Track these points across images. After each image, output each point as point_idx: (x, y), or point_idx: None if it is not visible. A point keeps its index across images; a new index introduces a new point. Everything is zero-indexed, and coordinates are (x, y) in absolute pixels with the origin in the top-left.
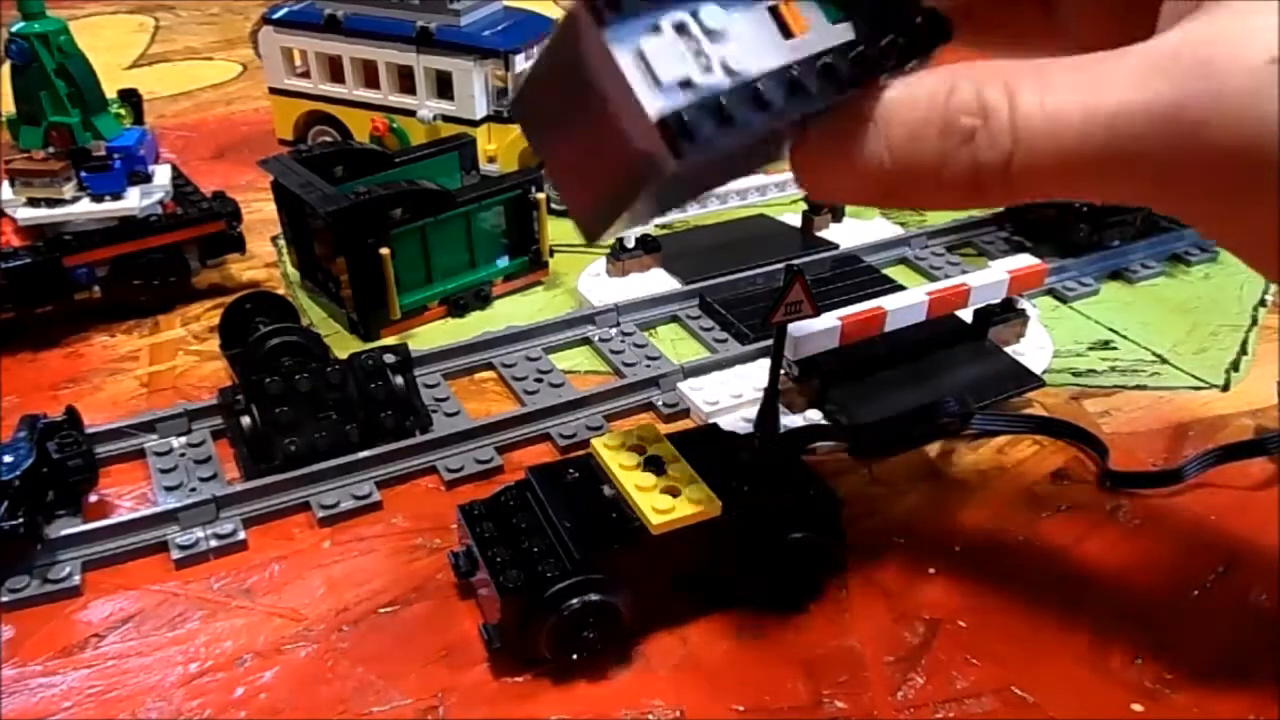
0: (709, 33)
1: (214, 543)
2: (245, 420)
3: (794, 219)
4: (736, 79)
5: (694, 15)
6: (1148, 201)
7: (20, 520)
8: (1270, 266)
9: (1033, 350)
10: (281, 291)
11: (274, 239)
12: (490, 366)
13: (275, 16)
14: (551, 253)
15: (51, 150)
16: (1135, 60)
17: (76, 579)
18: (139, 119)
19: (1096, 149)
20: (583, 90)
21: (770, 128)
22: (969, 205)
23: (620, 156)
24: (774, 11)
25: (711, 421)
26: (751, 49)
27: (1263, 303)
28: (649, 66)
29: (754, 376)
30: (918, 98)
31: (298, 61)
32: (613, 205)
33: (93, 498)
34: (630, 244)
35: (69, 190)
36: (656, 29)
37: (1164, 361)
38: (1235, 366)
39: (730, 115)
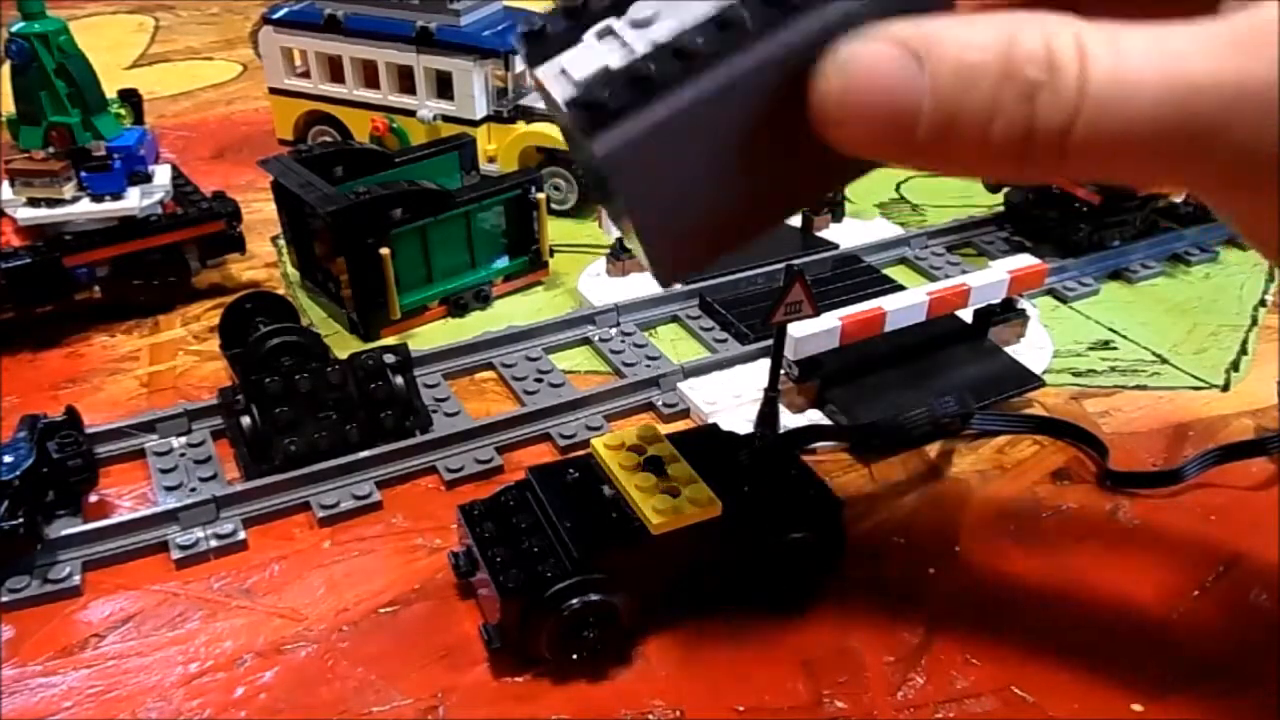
0: (637, 24)
1: (214, 543)
2: (245, 420)
3: (794, 219)
4: (656, 46)
5: (620, 14)
6: (1210, 190)
7: (20, 520)
8: None
9: (1033, 350)
10: (281, 291)
11: (274, 239)
12: (490, 366)
13: (275, 16)
14: (551, 253)
15: (51, 150)
16: (1226, 33)
17: (76, 579)
18: (139, 119)
19: (1172, 123)
20: (570, 138)
21: (721, 83)
22: (1005, 174)
23: (596, 172)
24: None
25: (711, 421)
26: (684, 16)
27: (1263, 303)
28: (566, 74)
29: (754, 376)
30: (973, 38)
31: (298, 61)
32: (638, 237)
33: (93, 498)
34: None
35: (69, 190)
36: (576, 43)
37: (1164, 361)
38: (1235, 366)
39: (648, 78)
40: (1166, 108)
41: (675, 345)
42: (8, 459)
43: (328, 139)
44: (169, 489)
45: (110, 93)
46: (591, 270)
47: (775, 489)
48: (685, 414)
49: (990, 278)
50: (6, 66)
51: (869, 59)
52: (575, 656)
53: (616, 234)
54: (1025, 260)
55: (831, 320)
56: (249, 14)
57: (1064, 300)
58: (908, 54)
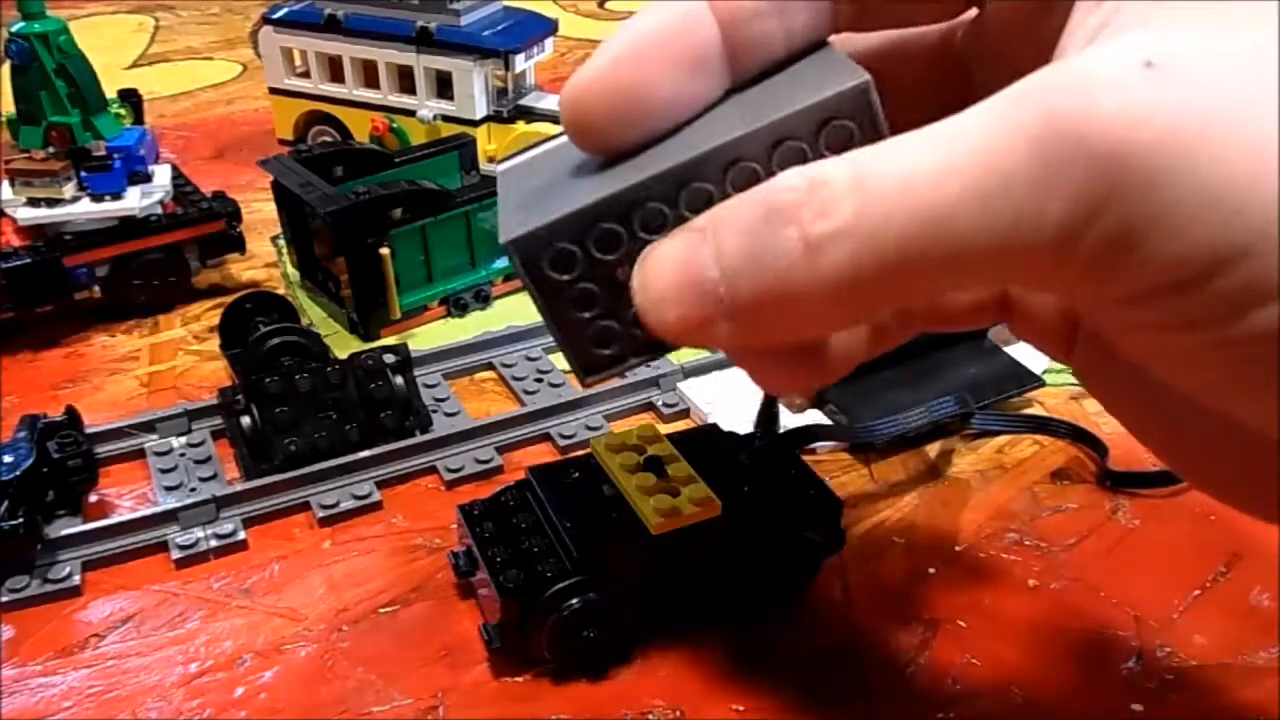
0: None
1: (214, 543)
2: (245, 420)
3: None
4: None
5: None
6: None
7: (20, 520)
8: None
9: (1033, 350)
10: (281, 291)
11: (274, 239)
12: (490, 366)
13: (275, 16)
14: None
15: (51, 150)
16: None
17: (76, 579)
18: (139, 119)
19: (959, 189)
20: None
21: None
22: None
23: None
24: None
25: (711, 421)
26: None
27: None
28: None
29: None
30: (737, 199)
31: (298, 61)
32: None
33: (93, 498)
34: None
35: (69, 190)
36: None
37: None
38: None
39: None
40: (952, 174)
41: None
42: (8, 459)
43: (328, 139)
44: (169, 489)
45: (110, 93)
46: None
47: (775, 489)
48: (685, 414)
49: None
50: (6, 66)
51: (659, 251)
52: (575, 656)
53: None
54: None
55: None
56: (249, 14)
57: None
58: (693, 233)
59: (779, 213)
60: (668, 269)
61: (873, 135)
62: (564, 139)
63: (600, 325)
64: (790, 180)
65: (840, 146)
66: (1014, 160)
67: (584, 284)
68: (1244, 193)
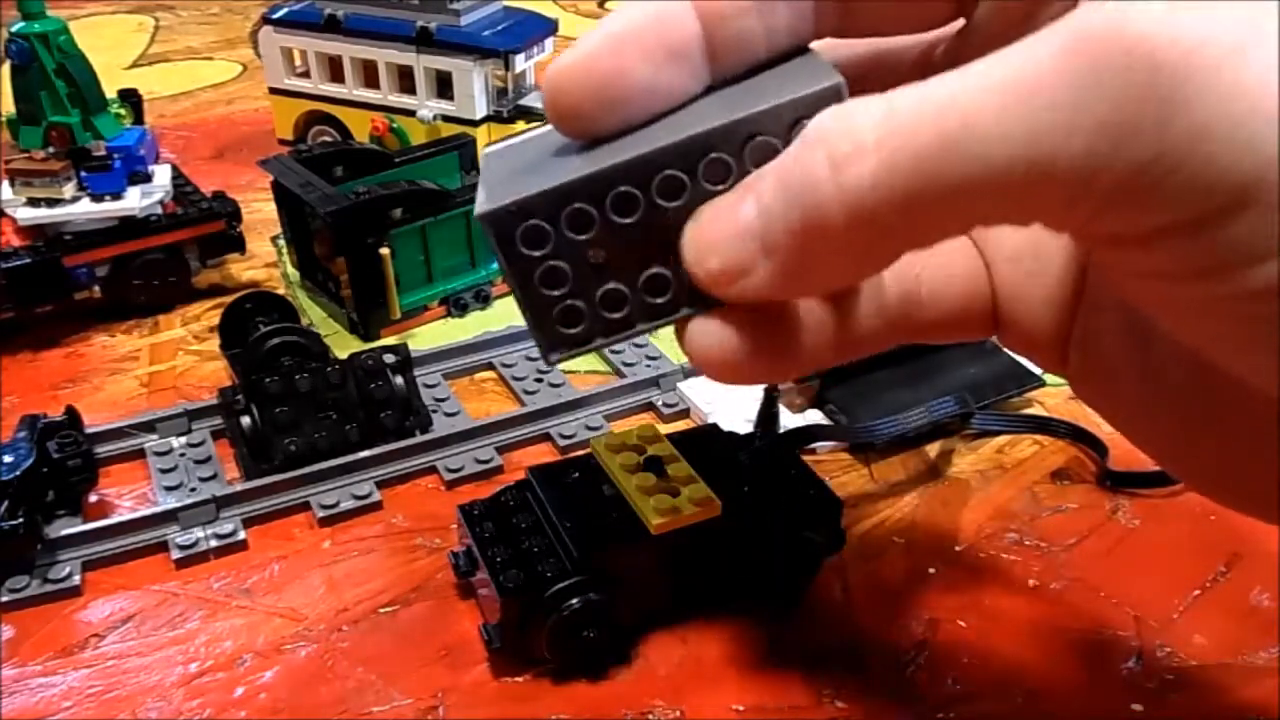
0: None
1: (214, 543)
2: (245, 420)
3: None
4: None
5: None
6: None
7: (20, 520)
8: None
9: None
10: (281, 291)
11: (274, 239)
12: (490, 366)
13: (275, 16)
14: None
15: (51, 150)
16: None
17: (76, 579)
18: (139, 119)
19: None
20: None
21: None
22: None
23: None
24: None
25: (711, 421)
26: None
27: None
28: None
29: None
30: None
31: (298, 61)
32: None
33: (93, 498)
34: None
35: (69, 190)
36: None
37: None
38: None
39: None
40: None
41: (675, 345)
42: (8, 459)
43: (328, 139)
44: (169, 489)
45: (110, 93)
46: None
47: (775, 489)
48: (685, 414)
49: None
50: (6, 66)
51: (710, 206)
52: (575, 656)
53: None
54: None
55: None
56: (249, 14)
57: None
58: (742, 189)
59: (810, 142)
60: (713, 221)
61: None
62: (546, 129)
63: (567, 304)
64: (824, 116)
65: None
66: (1048, 75)
67: (554, 262)
68: (1263, 126)
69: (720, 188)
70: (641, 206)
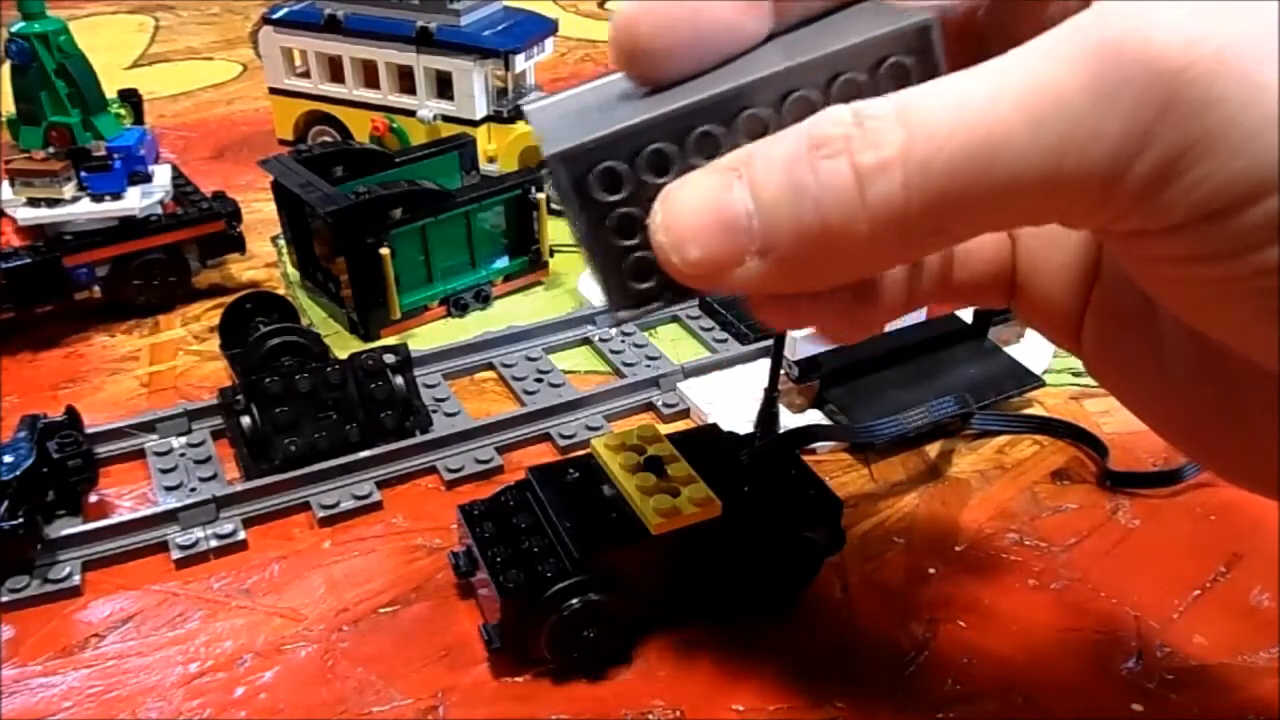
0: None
1: (214, 543)
2: (245, 420)
3: None
4: None
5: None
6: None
7: (20, 520)
8: None
9: (1033, 350)
10: (281, 291)
11: (274, 239)
12: (490, 366)
13: (275, 16)
14: (552, 253)
15: (51, 150)
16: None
17: (76, 579)
18: (139, 119)
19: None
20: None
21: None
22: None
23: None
24: None
25: (711, 421)
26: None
27: None
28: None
29: (754, 376)
30: (775, 136)
31: (298, 61)
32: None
33: (93, 498)
34: None
35: (69, 190)
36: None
37: None
38: None
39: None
40: (1005, 98)
41: (675, 345)
42: (8, 459)
43: (328, 139)
44: (169, 489)
45: (110, 93)
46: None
47: (775, 489)
48: (685, 414)
49: None
50: (6, 66)
51: (684, 187)
52: (575, 656)
53: None
54: None
55: None
56: (249, 14)
57: None
58: (723, 171)
59: (826, 146)
60: (695, 206)
61: (930, 76)
62: (602, 81)
63: (640, 256)
64: (837, 114)
65: (896, 85)
66: (1070, 83)
67: (629, 208)
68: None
69: None
70: (723, 150)
